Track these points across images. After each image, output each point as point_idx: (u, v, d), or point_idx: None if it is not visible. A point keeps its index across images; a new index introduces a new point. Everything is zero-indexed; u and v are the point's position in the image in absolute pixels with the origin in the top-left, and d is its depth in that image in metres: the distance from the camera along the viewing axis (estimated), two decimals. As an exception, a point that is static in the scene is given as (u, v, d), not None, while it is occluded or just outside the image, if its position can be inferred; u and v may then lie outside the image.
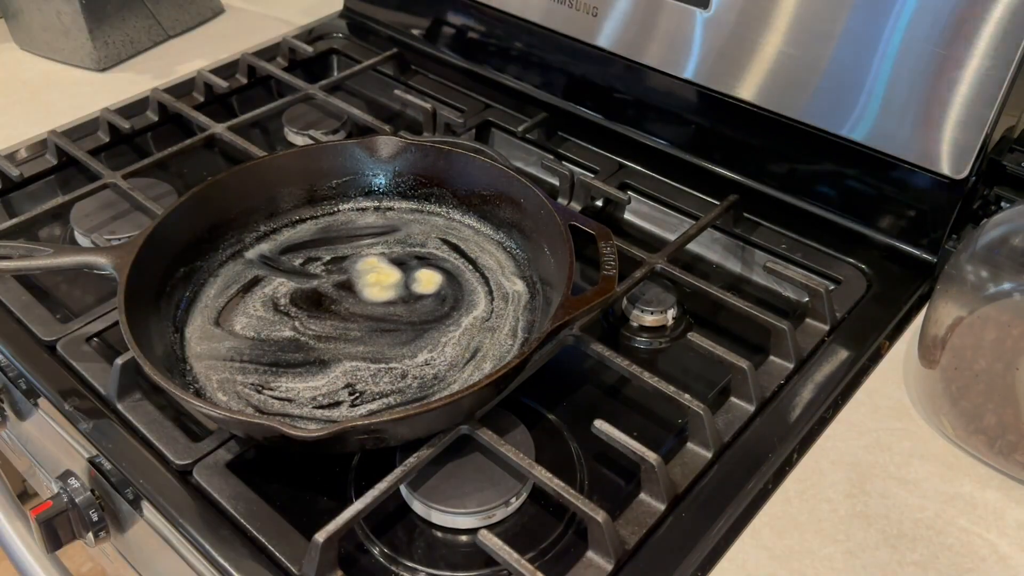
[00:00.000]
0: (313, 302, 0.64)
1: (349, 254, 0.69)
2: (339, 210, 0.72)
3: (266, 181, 0.69)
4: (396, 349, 0.61)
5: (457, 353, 0.60)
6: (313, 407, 0.56)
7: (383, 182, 0.72)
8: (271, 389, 0.57)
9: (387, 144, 0.71)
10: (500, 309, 0.64)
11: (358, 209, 0.72)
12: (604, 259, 0.59)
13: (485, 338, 0.61)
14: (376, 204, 0.73)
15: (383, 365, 0.59)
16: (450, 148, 0.70)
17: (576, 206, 0.76)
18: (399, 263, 0.68)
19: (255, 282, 0.66)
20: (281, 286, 0.65)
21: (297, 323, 0.62)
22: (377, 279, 0.66)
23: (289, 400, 0.57)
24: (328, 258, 0.68)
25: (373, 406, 0.57)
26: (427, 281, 0.66)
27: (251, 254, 0.68)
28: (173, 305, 0.62)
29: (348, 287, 0.66)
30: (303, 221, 0.71)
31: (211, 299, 0.64)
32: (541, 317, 0.62)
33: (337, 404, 0.57)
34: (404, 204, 0.73)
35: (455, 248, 0.69)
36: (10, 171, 0.78)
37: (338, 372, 0.59)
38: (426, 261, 0.68)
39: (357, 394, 0.57)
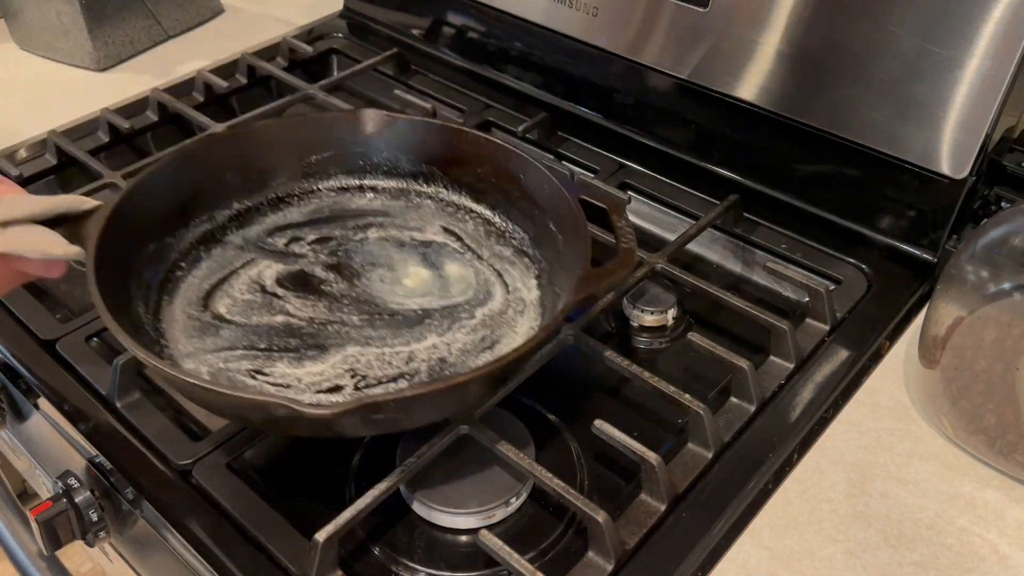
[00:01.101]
0: (303, 284, 0.61)
1: (340, 235, 0.65)
2: (318, 189, 0.67)
3: (245, 153, 0.64)
4: (399, 333, 0.57)
5: (468, 339, 0.57)
6: (315, 391, 0.53)
7: (371, 159, 0.68)
8: (266, 375, 0.54)
9: (373, 119, 0.66)
10: (510, 300, 0.60)
11: (342, 188, 0.68)
12: (620, 232, 0.56)
13: (499, 327, 0.59)
14: (359, 183, 0.68)
15: (387, 349, 0.56)
16: (443, 123, 0.66)
17: (576, 206, 0.76)
18: (400, 245, 0.64)
19: (242, 265, 0.62)
20: (268, 268, 0.61)
21: (289, 307, 0.59)
22: (410, 286, 0.62)
23: (287, 386, 0.53)
24: (313, 238, 0.64)
25: (379, 390, 0.54)
26: (419, 276, 0.63)
27: (233, 237, 0.64)
28: (146, 287, 0.58)
29: (344, 271, 0.62)
30: (289, 199, 0.67)
31: (196, 283, 0.60)
32: (551, 298, 0.59)
33: (339, 388, 0.54)
34: (391, 183, 0.68)
35: (452, 233, 0.66)
36: (10, 171, 0.78)
37: (338, 357, 0.55)
38: (425, 250, 0.64)
39: (360, 377, 0.54)
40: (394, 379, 0.54)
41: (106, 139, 0.84)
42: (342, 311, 0.59)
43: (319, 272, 0.62)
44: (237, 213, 0.65)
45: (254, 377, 0.54)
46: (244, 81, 0.92)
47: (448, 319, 0.59)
